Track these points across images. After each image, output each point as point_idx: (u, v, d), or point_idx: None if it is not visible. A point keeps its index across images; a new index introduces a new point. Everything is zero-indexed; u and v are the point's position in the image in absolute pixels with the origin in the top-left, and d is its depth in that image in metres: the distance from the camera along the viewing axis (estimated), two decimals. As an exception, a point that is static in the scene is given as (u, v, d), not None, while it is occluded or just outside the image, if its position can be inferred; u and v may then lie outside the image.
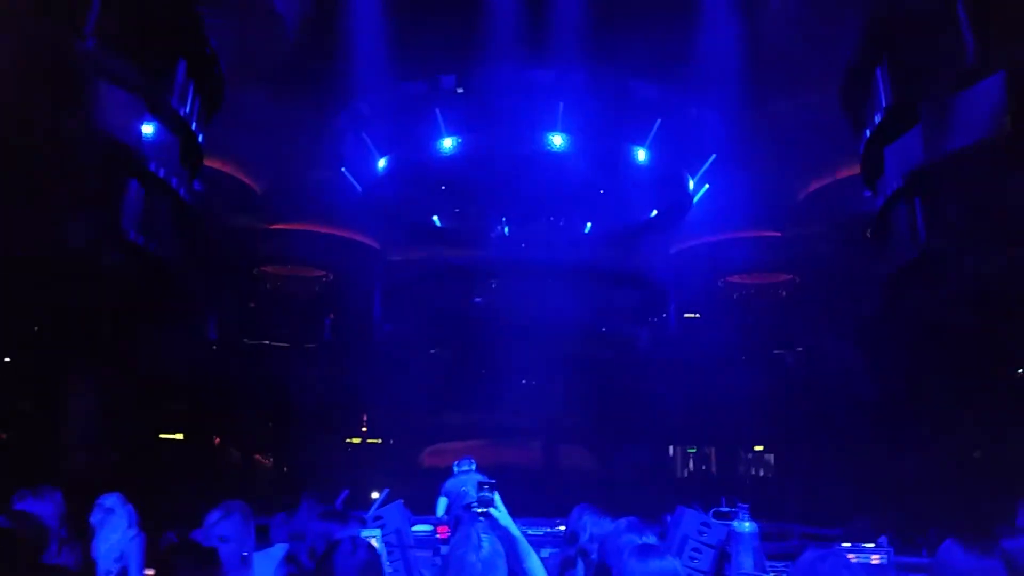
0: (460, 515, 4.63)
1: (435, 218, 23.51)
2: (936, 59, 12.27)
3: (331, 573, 2.87)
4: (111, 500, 5.22)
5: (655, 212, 22.92)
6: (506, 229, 23.44)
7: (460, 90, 19.75)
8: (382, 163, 20.68)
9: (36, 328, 12.03)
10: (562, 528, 6.11)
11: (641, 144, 19.93)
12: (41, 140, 9.65)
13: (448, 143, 19.56)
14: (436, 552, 5.33)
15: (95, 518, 5.16)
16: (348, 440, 24.92)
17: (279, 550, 4.37)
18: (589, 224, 23.31)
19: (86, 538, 5.07)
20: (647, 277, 24.41)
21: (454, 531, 5.12)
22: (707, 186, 21.02)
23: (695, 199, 21.56)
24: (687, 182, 21.25)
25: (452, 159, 19.80)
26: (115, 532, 5.08)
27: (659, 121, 19.35)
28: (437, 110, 19.35)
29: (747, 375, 19.26)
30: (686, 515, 5.06)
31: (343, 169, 20.96)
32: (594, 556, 4.10)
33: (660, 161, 20.23)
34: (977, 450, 15.37)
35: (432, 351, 23.91)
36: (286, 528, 5.63)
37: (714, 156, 19.97)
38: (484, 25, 16.52)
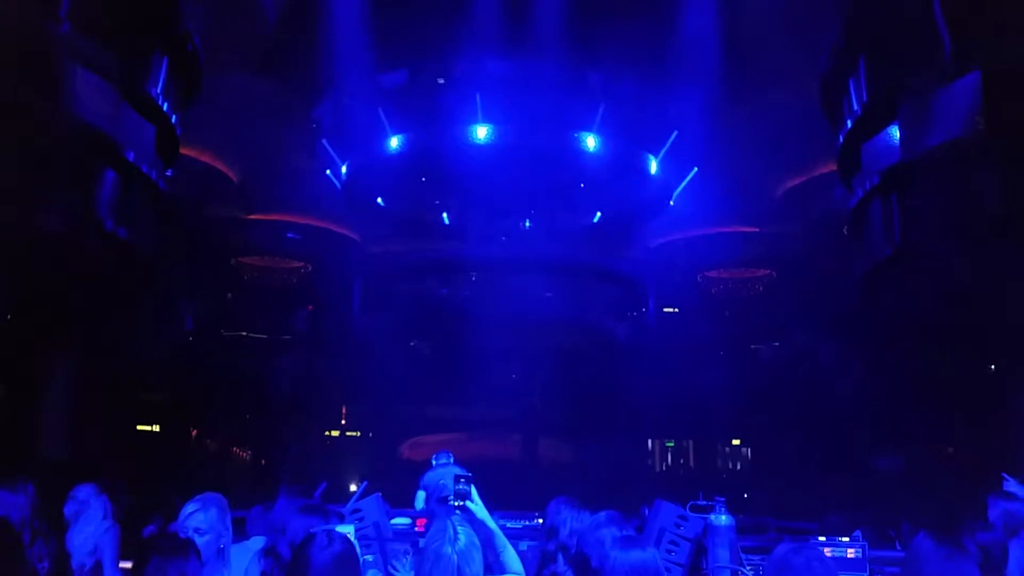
0: (435, 508, 4.63)
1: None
2: (914, 56, 12.35)
3: (306, 565, 2.87)
4: (85, 492, 5.17)
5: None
6: (527, 223, 23.29)
7: (441, 80, 19.64)
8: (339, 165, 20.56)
9: (9, 316, 11.85)
10: (540, 521, 6.12)
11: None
12: (14, 126, 9.49)
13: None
14: (415, 545, 5.33)
15: (69, 510, 5.12)
16: (327, 433, 24.83)
17: (256, 543, 4.35)
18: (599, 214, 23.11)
19: (60, 530, 5.02)
20: (626, 272, 24.47)
21: (430, 524, 5.13)
22: (690, 174, 20.72)
23: (674, 194, 21.57)
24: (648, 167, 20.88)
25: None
26: (90, 524, 5.04)
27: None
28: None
29: (725, 370, 19.39)
30: (663, 508, 5.09)
31: (327, 172, 20.78)
32: (573, 551, 4.12)
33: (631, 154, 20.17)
34: (951, 446, 15.57)
35: (412, 344, 23.86)
36: (263, 521, 5.60)
37: (675, 133, 19.43)
38: (465, 17, 16.41)
